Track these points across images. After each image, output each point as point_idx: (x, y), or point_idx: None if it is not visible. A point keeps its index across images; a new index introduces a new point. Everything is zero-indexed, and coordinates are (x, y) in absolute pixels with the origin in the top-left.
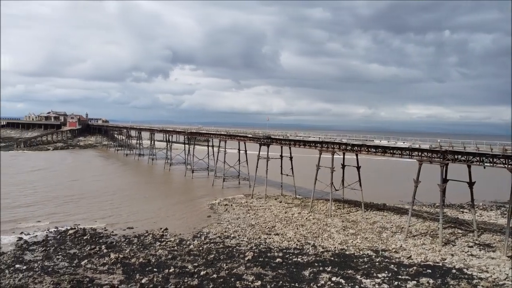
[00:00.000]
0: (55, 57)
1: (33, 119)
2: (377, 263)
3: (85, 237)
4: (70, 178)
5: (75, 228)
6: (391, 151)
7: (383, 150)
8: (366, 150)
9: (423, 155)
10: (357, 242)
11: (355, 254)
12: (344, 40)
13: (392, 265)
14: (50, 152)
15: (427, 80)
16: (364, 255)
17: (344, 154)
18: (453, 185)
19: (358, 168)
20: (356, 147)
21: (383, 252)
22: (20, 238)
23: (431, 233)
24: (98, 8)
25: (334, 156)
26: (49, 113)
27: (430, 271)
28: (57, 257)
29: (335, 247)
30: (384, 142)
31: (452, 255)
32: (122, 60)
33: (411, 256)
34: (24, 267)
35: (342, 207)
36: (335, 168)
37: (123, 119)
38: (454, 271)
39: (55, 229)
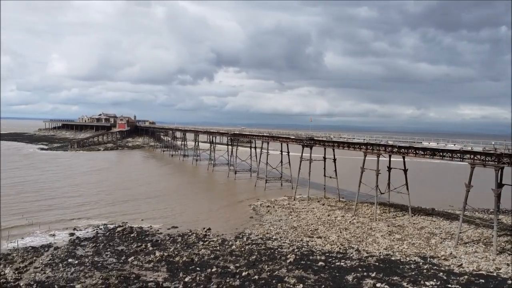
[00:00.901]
0: (107, 62)
1: (85, 121)
2: (424, 271)
3: (132, 235)
4: (121, 178)
5: (123, 226)
6: (441, 154)
7: (432, 153)
8: (414, 152)
9: (475, 158)
10: (404, 247)
11: (401, 260)
12: (390, 39)
13: (441, 273)
14: (102, 153)
15: (481, 79)
16: (411, 262)
17: (390, 156)
18: (510, 190)
19: (405, 171)
20: (403, 149)
21: (431, 259)
22: (73, 234)
23: (484, 240)
24: (148, 13)
25: (380, 159)
26: (100, 115)
27: (483, 281)
28: (106, 253)
29: (380, 252)
30: (433, 144)
31: (508, 264)
32: (169, 63)
33: (462, 264)
34: (76, 262)
35: (388, 211)
36: (381, 171)
37: (169, 121)
38: (510, 282)
39: (105, 227)
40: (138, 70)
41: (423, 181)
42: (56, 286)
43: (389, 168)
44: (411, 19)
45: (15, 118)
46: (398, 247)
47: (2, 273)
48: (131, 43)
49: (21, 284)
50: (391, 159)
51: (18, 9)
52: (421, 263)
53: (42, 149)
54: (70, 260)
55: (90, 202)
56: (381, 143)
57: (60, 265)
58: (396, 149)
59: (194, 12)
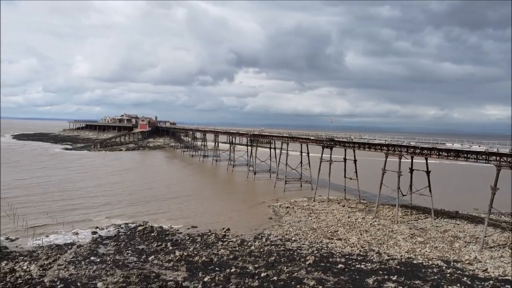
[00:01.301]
0: (129, 63)
1: (108, 122)
2: (448, 275)
3: (152, 234)
4: (143, 179)
5: (144, 225)
6: (465, 155)
7: (455, 154)
8: (437, 153)
9: (502, 160)
10: (426, 251)
11: (424, 263)
12: (413, 39)
13: (465, 278)
14: (124, 153)
15: (508, 79)
16: (434, 265)
17: (412, 157)
18: None
19: (428, 172)
20: (425, 151)
21: (455, 263)
22: (95, 233)
23: (511, 245)
24: (168, 15)
25: (402, 160)
26: (122, 116)
27: (509, 286)
28: (127, 252)
29: (401, 255)
30: (457, 146)
31: None
32: (190, 64)
33: (487, 269)
34: (98, 260)
35: (410, 214)
36: (402, 172)
37: (189, 122)
38: None
39: (126, 226)
40: (159, 71)
41: (447, 183)
42: (78, 284)
43: (411, 170)
44: (434, 18)
45: (41, 118)
46: (420, 251)
47: (28, 269)
48: (152, 45)
49: (46, 281)
50: (413, 160)
51: (43, 11)
52: (444, 267)
53: (66, 149)
54: (92, 258)
55: (112, 202)
56: (403, 144)
57: (83, 262)
58: (418, 150)
59: (214, 13)
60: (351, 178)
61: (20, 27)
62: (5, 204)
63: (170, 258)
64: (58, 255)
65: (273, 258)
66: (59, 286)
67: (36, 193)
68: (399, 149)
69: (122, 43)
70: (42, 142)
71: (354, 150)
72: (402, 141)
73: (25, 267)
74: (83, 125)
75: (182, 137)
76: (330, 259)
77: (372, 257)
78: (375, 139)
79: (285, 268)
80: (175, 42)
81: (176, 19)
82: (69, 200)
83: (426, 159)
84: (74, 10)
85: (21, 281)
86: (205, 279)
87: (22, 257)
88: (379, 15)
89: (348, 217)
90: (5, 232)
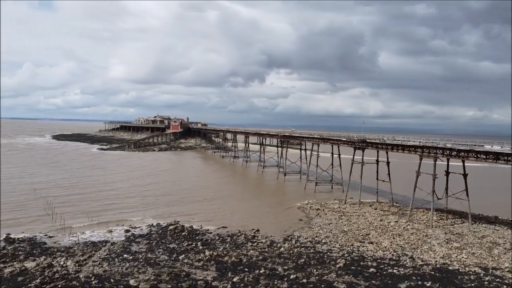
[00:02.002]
0: (162, 66)
1: (141, 123)
2: (486, 283)
3: (183, 233)
4: (176, 181)
5: (175, 225)
6: (505, 158)
7: (495, 157)
8: (475, 156)
9: None
10: (463, 257)
11: (460, 270)
12: (450, 37)
13: (505, 286)
14: (157, 153)
15: None
16: (471, 272)
17: (448, 160)
18: None
19: (465, 175)
20: (462, 153)
21: (493, 271)
22: (128, 231)
23: None
24: (201, 17)
25: (437, 162)
26: (155, 117)
27: None
28: (159, 250)
29: (436, 261)
30: (496, 148)
31: None
32: (221, 66)
33: None
34: (131, 257)
35: (445, 218)
36: (438, 175)
37: (220, 123)
38: None
39: (158, 225)
40: (191, 73)
41: (486, 187)
42: (112, 280)
43: (447, 173)
44: (473, 15)
45: (78, 120)
46: (456, 256)
47: (64, 265)
48: (185, 47)
49: (81, 276)
50: (450, 163)
51: (81, 16)
52: (482, 275)
53: (102, 149)
54: (125, 255)
55: (147, 202)
56: (439, 146)
57: (116, 260)
58: (455, 153)
59: (245, 15)
60: (383, 181)
61: (60, 31)
62: (45, 203)
63: (200, 258)
64: (93, 252)
65: (303, 260)
66: (93, 282)
67: (74, 193)
68: (434, 151)
69: (156, 46)
70: (80, 142)
71: (387, 152)
72: (438, 143)
73: (62, 263)
74: (118, 126)
75: (213, 138)
76: (361, 263)
77: (405, 262)
78: (409, 141)
79: (314, 270)
80: (207, 44)
81: (208, 21)
82: (105, 200)
83: (463, 162)
84: (109, 13)
85: (58, 276)
86: (234, 280)
87: (60, 253)
88: (414, 13)
89: (381, 220)
90: (45, 229)
